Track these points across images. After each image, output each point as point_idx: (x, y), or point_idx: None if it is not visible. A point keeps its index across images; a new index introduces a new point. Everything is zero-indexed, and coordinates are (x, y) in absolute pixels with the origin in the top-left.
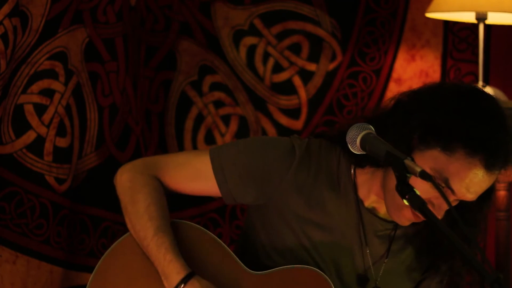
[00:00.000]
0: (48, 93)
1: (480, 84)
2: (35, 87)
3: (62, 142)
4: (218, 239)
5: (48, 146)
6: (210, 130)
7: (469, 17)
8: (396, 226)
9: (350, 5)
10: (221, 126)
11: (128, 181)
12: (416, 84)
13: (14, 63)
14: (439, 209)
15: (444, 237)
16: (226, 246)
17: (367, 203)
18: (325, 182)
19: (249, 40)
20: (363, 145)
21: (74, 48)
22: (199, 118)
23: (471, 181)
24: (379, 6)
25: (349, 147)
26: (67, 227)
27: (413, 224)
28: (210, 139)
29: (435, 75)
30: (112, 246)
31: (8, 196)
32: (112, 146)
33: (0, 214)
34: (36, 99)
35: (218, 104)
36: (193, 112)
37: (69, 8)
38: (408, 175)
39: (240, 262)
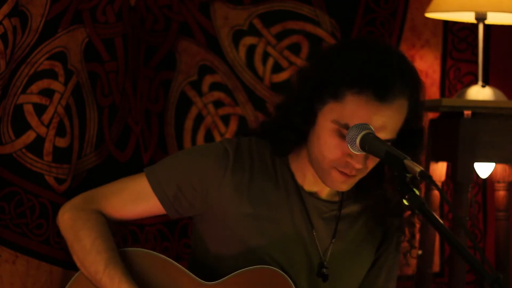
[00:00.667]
0: (47, 93)
1: (480, 84)
2: (35, 87)
3: (62, 142)
4: (168, 259)
5: (47, 146)
6: (210, 130)
7: (468, 17)
8: (341, 205)
9: (350, 5)
10: (221, 126)
11: (70, 220)
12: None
13: (13, 63)
14: (355, 157)
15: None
16: (178, 264)
17: (307, 188)
18: (263, 176)
19: (249, 40)
20: (362, 145)
21: (74, 48)
22: (199, 118)
23: (370, 118)
24: (378, 6)
25: (349, 147)
26: None
27: (357, 201)
28: (209, 139)
29: (434, 75)
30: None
31: (7, 196)
32: (111, 146)
33: (0, 214)
34: (36, 99)
35: (218, 104)
36: (193, 112)
37: (68, 8)
38: (408, 175)
39: (195, 276)
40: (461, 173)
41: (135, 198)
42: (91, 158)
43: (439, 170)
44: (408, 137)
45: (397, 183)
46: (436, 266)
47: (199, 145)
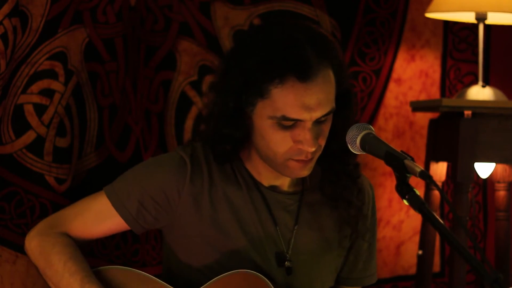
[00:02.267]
0: (48, 93)
1: (480, 84)
2: (35, 87)
3: (62, 142)
4: (144, 273)
5: (48, 146)
6: None
7: (469, 17)
8: (302, 195)
9: (350, 5)
10: None
11: (38, 247)
12: (415, 84)
13: (14, 63)
14: (306, 141)
15: (446, 239)
16: (155, 278)
17: (266, 183)
18: (222, 179)
19: None
20: (363, 145)
21: (74, 48)
22: (199, 118)
23: (302, 100)
24: (379, 6)
25: (349, 147)
26: None
27: (320, 188)
28: None
29: (435, 75)
30: None
31: (8, 196)
32: (112, 146)
33: (0, 214)
34: (36, 99)
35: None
36: (193, 112)
37: (69, 8)
38: (408, 175)
39: (171, 287)
40: (461, 173)
41: (98, 218)
42: (91, 158)
43: (439, 170)
44: (341, 99)
45: (398, 183)
46: (436, 266)
47: (154, 157)
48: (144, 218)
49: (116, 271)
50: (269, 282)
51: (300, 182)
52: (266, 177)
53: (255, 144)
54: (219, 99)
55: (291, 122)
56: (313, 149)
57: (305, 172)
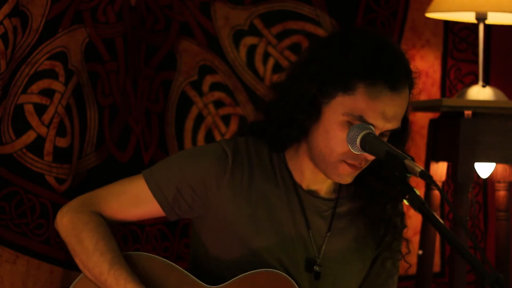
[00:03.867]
0: (48, 93)
1: (480, 84)
2: (35, 87)
3: (62, 142)
4: (170, 262)
5: (48, 146)
6: (210, 130)
7: (469, 17)
8: (336, 202)
9: (350, 5)
10: (221, 126)
11: (70, 223)
12: (416, 84)
13: (14, 63)
14: (368, 156)
15: (446, 239)
16: (179, 267)
17: (305, 186)
18: (262, 176)
19: (249, 40)
20: (363, 145)
21: (74, 48)
22: (199, 118)
23: (384, 108)
24: (379, 6)
25: (349, 147)
26: None
27: (355, 198)
28: (210, 139)
29: (435, 75)
30: None
31: (8, 196)
32: (112, 146)
33: (0, 214)
34: (36, 99)
35: (218, 104)
36: (193, 112)
37: (69, 8)
38: (408, 175)
39: (197, 279)
40: (461, 173)
41: (134, 201)
42: (91, 158)
43: (440, 170)
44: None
45: (397, 183)
46: (436, 266)
47: (197, 147)
48: (180, 205)
49: (144, 257)
50: (295, 283)
51: (337, 190)
52: (307, 180)
53: (313, 139)
54: (296, 84)
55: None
56: (372, 158)
57: (349, 179)
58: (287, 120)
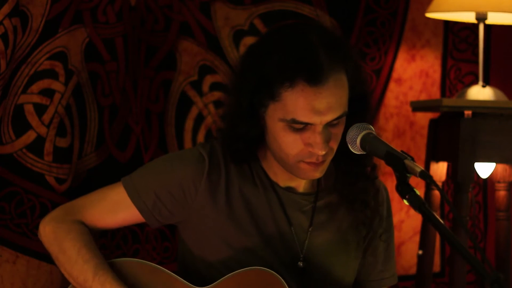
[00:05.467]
0: (48, 93)
1: (480, 84)
2: (35, 87)
3: (62, 142)
4: (158, 266)
5: (48, 146)
6: (210, 130)
7: (469, 17)
8: (316, 196)
9: (350, 5)
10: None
11: (52, 233)
12: (416, 84)
13: (14, 63)
14: (316, 145)
15: (446, 239)
16: (167, 270)
17: (282, 184)
18: (239, 178)
19: (249, 40)
20: (363, 145)
21: (74, 48)
22: (199, 118)
23: (312, 104)
24: (379, 6)
25: (349, 147)
26: None
27: (335, 190)
28: None
29: (435, 75)
30: None
31: (8, 196)
32: (112, 146)
33: (0, 214)
34: (36, 99)
35: (218, 104)
36: (193, 112)
37: (69, 8)
38: (408, 175)
39: (186, 281)
40: (461, 173)
41: (114, 208)
42: (91, 158)
43: (440, 170)
44: (357, 103)
45: (398, 183)
46: (436, 266)
47: (174, 152)
48: (160, 211)
49: (131, 263)
50: (283, 280)
51: (315, 184)
52: (282, 178)
53: (269, 145)
54: (233, 98)
55: (301, 125)
56: (323, 152)
57: (316, 174)
58: (232, 136)
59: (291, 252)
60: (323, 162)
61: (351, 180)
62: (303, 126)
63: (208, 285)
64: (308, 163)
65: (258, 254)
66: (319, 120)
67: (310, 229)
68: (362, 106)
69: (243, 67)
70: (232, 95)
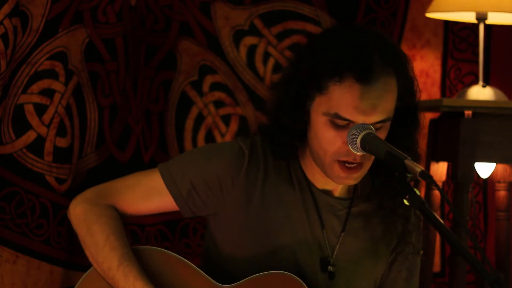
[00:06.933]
0: (48, 93)
1: (480, 84)
2: (35, 87)
3: (62, 142)
4: (182, 258)
5: (48, 146)
6: (211, 130)
7: (469, 17)
8: (351, 202)
9: (350, 5)
10: (222, 126)
11: (83, 214)
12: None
13: (14, 63)
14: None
15: (446, 239)
16: (191, 264)
17: (319, 185)
18: (277, 175)
19: (249, 40)
20: (363, 145)
21: (74, 48)
22: (199, 118)
23: (357, 102)
24: (379, 6)
25: (349, 147)
26: (67, 227)
27: (370, 199)
28: (210, 139)
29: (435, 75)
30: (76, 286)
31: (8, 196)
32: (112, 146)
33: (0, 214)
34: (36, 99)
35: (218, 104)
36: (193, 112)
37: (69, 8)
38: (408, 175)
39: (209, 277)
40: (461, 173)
41: (149, 194)
42: (91, 158)
43: (440, 170)
44: (404, 114)
45: (398, 183)
46: (436, 266)
47: (214, 143)
48: (194, 200)
49: (155, 253)
50: (306, 286)
51: (352, 190)
52: (319, 180)
53: (309, 141)
54: (282, 89)
55: (344, 122)
56: (362, 153)
57: (351, 181)
58: (277, 127)
59: (322, 255)
60: (359, 167)
61: (390, 193)
62: (346, 123)
63: (230, 283)
64: (343, 165)
65: (288, 255)
66: (362, 120)
67: (342, 234)
68: (409, 118)
69: (297, 58)
70: (280, 87)
